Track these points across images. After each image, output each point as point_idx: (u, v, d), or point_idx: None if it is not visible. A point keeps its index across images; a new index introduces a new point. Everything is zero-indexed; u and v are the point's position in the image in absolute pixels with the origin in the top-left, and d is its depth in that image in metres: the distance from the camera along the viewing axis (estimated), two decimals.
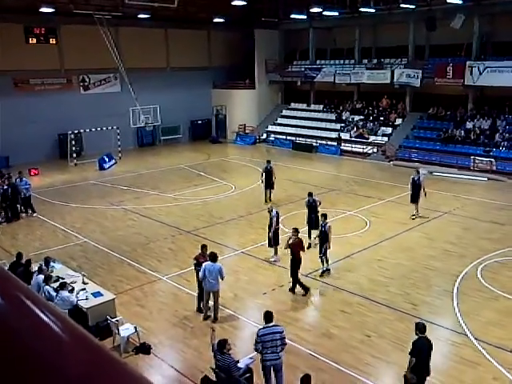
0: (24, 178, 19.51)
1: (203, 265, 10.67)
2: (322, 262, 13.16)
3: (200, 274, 10.68)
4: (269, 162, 20.35)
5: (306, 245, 13.46)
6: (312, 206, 15.37)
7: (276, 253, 14.24)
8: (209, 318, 10.92)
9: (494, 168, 24.07)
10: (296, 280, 12.11)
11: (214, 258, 10.70)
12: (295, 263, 12.05)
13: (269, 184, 19.94)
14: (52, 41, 29.21)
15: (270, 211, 14.38)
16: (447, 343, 10.17)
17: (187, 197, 21.47)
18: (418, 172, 17.94)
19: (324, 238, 12.91)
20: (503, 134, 25.63)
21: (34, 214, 18.93)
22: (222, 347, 7.90)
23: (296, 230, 12.30)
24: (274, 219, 14.10)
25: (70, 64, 29.97)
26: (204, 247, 11.62)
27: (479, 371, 9.08)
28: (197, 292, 11.41)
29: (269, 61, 36.30)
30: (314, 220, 15.06)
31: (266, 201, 19.67)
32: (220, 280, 10.70)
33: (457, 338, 10.21)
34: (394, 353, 9.75)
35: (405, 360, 9.47)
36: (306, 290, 12.11)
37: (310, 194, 15.67)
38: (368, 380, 8.91)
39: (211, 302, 10.89)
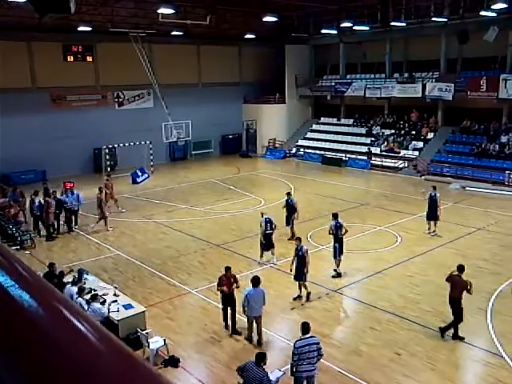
0: (75, 191, 19.48)
1: (245, 291, 10.39)
2: (300, 287, 12.56)
3: (242, 301, 10.40)
4: (289, 194, 18.24)
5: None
6: (337, 228, 14.18)
7: (273, 254, 15.07)
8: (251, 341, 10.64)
9: None
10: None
11: (256, 282, 10.33)
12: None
13: (289, 219, 17.36)
14: (88, 58, 30.20)
15: (262, 216, 15.38)
16: (481, 363, 9.91)
17: (217, 210, 21.66)
18: (435, 188, 17.59)
19: (301, 263, 12.31)
20: None
21: (76, 227, 19.07)
22: (260, 360, 7.85)
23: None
24: (263, 225, 14.93)
25: (105, 80, 30.89)
26: (228, 269, 11.26)
27: None
28: (221, 308, 11.22)
29: (299, 76, 36.49)
30: (337, 245, 14.22)
31: (291, 237, 16.59)
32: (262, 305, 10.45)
33: (491, 359, 9.92)
34: (425, 372, 9.56)
35: (435, 379, 9.30)
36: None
37: (335, 216, 14.45)
38: None
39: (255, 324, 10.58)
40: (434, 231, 17.30)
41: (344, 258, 15.33)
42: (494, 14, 24.95)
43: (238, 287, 11.13)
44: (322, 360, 9.59)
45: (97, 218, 19.12)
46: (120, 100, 32.35)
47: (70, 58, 29.67)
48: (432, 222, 17.29)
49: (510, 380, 9.16)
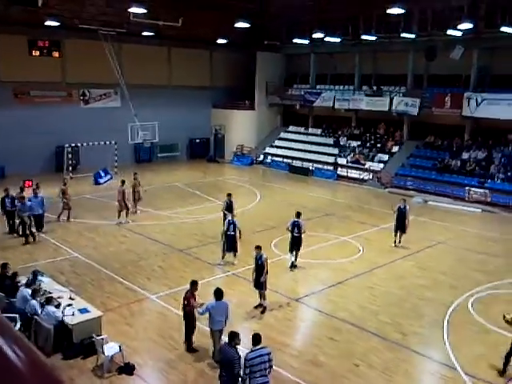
0: (40, 194, 18.39)
1: (207, 305, 9.97)
2: (261, 296, 12.51)
3: (202, 311, 10.00)
4: (229, 195, 18.76)
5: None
6: (295, 226, 15.18)
7: (222, 257, 15.38)
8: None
9: (489, 200, 24.12)
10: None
11: (220, 295, 9.89)
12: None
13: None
14: (55, 54, 29.45)
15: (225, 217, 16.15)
16: (436, 376, 10.03)
17: (181, 215, 21.39)
18: (405, 201, 17.80)
19: (260, 271, 12.23)
20: (498, 165, 25.78)
21: (40, 234, 17.96)
22: (231, 339, 8.08)
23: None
24: (225, 225, 15.20)
25: (71, 77, 30.18)
26: (194, 284, 10.53)
27: None
28: (184, 329, 10.57)
29: (269, 83, 36.63)
30: (295, 240, 15.17)
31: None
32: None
33: (446, 371, 10.06)
34: (382, 383, 9.60)
35: None
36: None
37: (299, 215, 15.41)
38: None
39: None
40: (399, 242, 17.52)
41: (306, 267, 15.47)
42: (460, 34, 25.72)
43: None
44: (279, 369, 9.54)
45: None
46: (86, 98, 31.65)
47: (36, 53, 28.86)
48: (399, 234, 17.48)
49: None
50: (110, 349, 9.92)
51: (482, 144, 27.58)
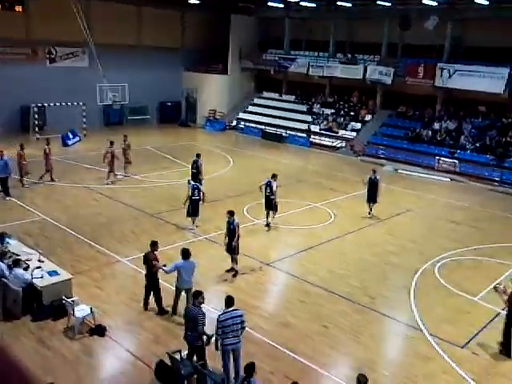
0: (5, 157, 17.52)
1: (174, 263, 10.17)
2: (232, 260, 12.64)
3: (169, 270, 10.16)
4: (198, 155, 19.09)
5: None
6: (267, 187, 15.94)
7: (193, 222, 15.52)
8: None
9: (458, 169, 24.65)
10: None
11: (186, 255, 10.10)
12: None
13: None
14: (18, 8, 27.78)
15: (188, 182, 15.80)
16: (402, 337, 10.39)
17: (152, 179, 21.10)
18: (375, 171, 17.76)
19: (232, 236, 12.31)
20: (468, 136, 26.26)
21: (7, 198, 17.37)
22: (195, 297, 8.35)
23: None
24: (189, 191, 15.22)
25: (36, 34, 28.80)
26: (154, 244, 10.63)
27: (430, 365, 9.32)
28: (144, 287, 10.68)
29: (243, 47, 35.93)
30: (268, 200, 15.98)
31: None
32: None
33: (412, 333, 10.42)
34: (350, 344, 9.89)
35: (359, 351, 9.64)
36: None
37: (274, 176, 16.13)
38: (323, 370, 8.99)
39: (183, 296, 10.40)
40: (370, 212, 17.60)
41: (278, 233, 15.63)
42: (435, 4, 25.66)
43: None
44: (250, 331, 9.70)
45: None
46: (52, 57, 30.35)
47: None
48: (372, 204, 17.53)
49: (426, 352, 9.69)
50: (81, 311, 9.86)
51: (453, 115, 27.97)
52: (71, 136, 27.16)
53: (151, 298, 10.69)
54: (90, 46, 27.45)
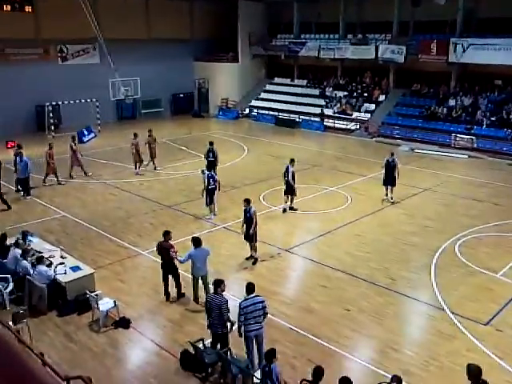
0: (25, 158, 17.70)
1: (187, 253, 10.39)
2: (251, 248, 12.70)
3: (183, 259, 10.41)
4: (212, 143, 19.40)
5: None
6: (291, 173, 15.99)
7: (211, 211, 15.64)
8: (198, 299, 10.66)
9: (475, 145, 24.26)
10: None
11: (198, 242, 10.33)
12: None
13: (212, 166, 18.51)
14: (27, 8, 28.07)
15: (203, 172, 15.86)
16: (425, 317, 10.35)
17: (168, 171, 21.24)
18: (393, 154, 17.20)
19: (249, 224, 12.38)
20: (485, 111, 25.77)
21: (28, 197, 17.61)
22: (218, 285, 8.41)
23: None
24: (206, 180, 15.34)
25: (46, 33, 29.00)
26: (167, 234, 10.84)
27: (454, 344, 9.28)
28: (162, 276, 10.86)
29: (252, 34, 35.67)
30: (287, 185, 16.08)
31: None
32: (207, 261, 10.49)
33: (434, 312, 10.38)
34: (372, 326, 9.89)
35: (382, 333, 9.64)
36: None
37: (292, 161, 16.17)
38: (347, 353, 9.02)
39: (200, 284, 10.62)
40: (391, 198, 17.07)
41: (296, 218, 15.68)
42: None
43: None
44: (273, 317, 9.77)
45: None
46: (64, 55, 30.60)
47: (7, 8, 27.47)
48: (389, 188, 17.10)
49: (449, 331, 9.64)
50: (105, 304, 10.04)
51: (468, 90, 27.45)
52: (86, 132, 27.43)
53: (171, 287, 10.87)
54: (100, 42, 27.58)
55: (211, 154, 19.08)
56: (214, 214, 15.77)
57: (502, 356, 8.83)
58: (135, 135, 20.67)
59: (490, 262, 12.50)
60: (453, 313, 10.22)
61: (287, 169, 15.96)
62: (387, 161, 17.02)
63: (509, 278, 11.65)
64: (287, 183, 15.95)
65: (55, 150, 19.38)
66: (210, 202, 15.65)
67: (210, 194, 15.52)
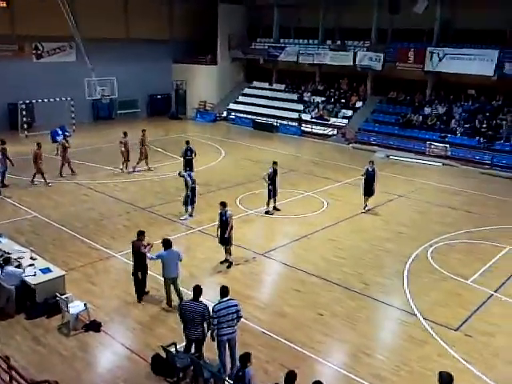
0: None
1: (159, 253, 10.29)
2: (226, 251, 12.62)
3: (151, 257, 10.33)
4: (188, 142, 20.08)
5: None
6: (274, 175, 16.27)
7: (187, 212, 15.67)
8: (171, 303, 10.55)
9: (449, 154, 24.70)
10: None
11: (168, 244, 10.20)
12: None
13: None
14: (2, 3, 27.51)
15: (180, 175, 15.95)
16: (397, 322, 10.44)
17: (144, 173, 21.00)
18: (372, 163, 17.05)
19: (225, 227, 12.32)
20: (459, 120, 26.28)
21: None
22: (197, 295, 8.28)
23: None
24: (189, 180, 15.44)
25: (22, 30, 28.42)
26: (141, 234, 10.80)
27: (425, 349, 9.38)
28: (133, 279, 10.83)
29: (232, 37, 35.66)
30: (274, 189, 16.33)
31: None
32: (179, 264, 10.39)
33: (406, 318, 10.48)
34: (345, 331, 9.94)
35: (355, 337, 9.69)
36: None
37: (275, 163, 16.39)
38: (319, 357, 9.03)
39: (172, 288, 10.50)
40: (365, 205, 16.87)
41: (271, 222, 15.67)
42: None
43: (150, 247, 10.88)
44: (246, 321, 9.72)
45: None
46: (39, 52, 30.03)
47: None
48: (368, 198, 16.81)
49: (421, 336, 9.75)
50: (75, 307, 9.85)
51: (443, 99, 27.96)
52: (60, 132, 26.89)
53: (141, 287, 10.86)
54: (76, 41, 27.17)
55: (189, 153, 19.61)
56: (190, 215, 15.66)
57: (471, 361, 8.97)
58: (125, 134, 20.73)
59: (461, 268, 12.71)
60: (424, 318, 10.34)
61: (272, 172, 16.13)
62: (367, 170, 16.80)
63: (478, 285, 11.86)
64: (274, 184, 16.20)
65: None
66: (191, 202, 15.62)
67: (193, 192, 15.59)
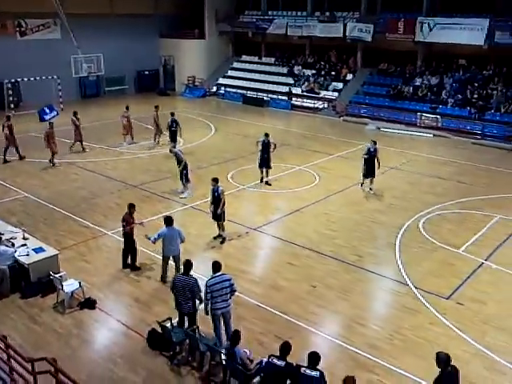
0: None
1: (158, 232, 10.22)
2: (219, 227, 12.61)
3: (154, 239, 10.20)
4: (173, 114, 20.61)
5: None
6: (265, 146, 16.33)
7: (186, 189, 15.58)
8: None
9: (440, 125, 24.68)
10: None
11: (170, 221, 10.17)
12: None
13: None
14: None
15: (171, 151, 15.93)
16: (390, 292, 10.56)
17: (134, 150, 20.83)
18: (375, 142, 15.96)
19: (217, 203, 12.28)
20: (450, 91, 26.19)
21: None
22: (187, 269, 8.39)
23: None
24: (181, 155, 15.41)
25: (4, 6, 27.63)
26: (132, 207, 10.99)
27: (417, 318, 9.52)
28: (122, 248, 11.26)
29: (219, 10, 34.99)
30: (266, 159, 16.43)
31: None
32: (180, 243, 10.39)
33: (399, 288, 10.61)
34: (339, 302, 10.05)
35: (349, 308, 9.81)
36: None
37: (267, 135, 16.50)
38: (314, 328, 9.15)
39: (171, 263, 10.53)
40: (370, 189, 16.12)
41: (263, 197, 15.68)
42: None
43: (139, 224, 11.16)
44: (241, 295, 9.79)
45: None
46: (22, 29, 29.33)
47: None
48: (369, 179, 16.13)
49: (413, 305, 9.90)
50: (70, 285, 9.86)
51: (434, 70, 27.78)
52: (48, 111, 26.52)
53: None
54: (61, 17, 26.56)
55: (174, 124, 20.14)
56: (188, 193, 15.59)
57: (462, 328, 9.13)
58: (127, 108, 21.43)
59: (452, 238, 12.84)
60: (416, 288, 10.48)
61: (264, 141, 16.34)
62: (368, 149, 15.92)
63: (470, 254, 12.01)
64: (268, 154, 16.39)
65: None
66: (186, 179, 15.51)
67: (187, 169, 15.48)
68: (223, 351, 7.58)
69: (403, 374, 7.99)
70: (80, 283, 9.94)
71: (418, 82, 27.49)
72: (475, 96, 25.19)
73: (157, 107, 21.64)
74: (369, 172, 16.03)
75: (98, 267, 11.31)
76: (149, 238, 10.29)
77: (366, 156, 15.92)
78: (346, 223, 13.91)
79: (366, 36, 28.58)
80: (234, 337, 7.25)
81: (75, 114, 20.44)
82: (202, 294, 8.24)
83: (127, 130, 21.27)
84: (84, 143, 20.67)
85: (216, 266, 8.27)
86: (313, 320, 9.39)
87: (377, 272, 11.26)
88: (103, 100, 31.88)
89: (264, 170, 16.70)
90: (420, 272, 11.20)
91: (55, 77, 28.08)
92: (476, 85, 25.65)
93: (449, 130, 24.38)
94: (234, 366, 7.23)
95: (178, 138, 20.93)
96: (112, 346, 8.71)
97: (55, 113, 27.17)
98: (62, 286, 9.72)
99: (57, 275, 9.94)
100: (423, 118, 25.18)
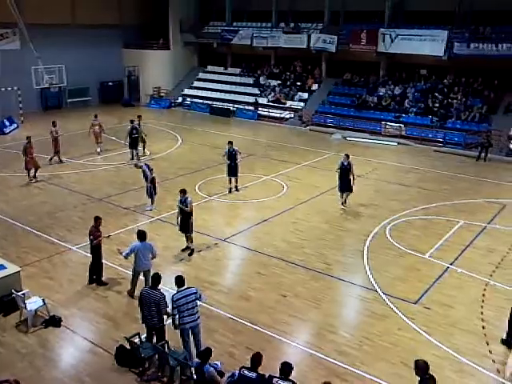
0: None
1: (130, 247, 10.01)
2: (187, 239, 12.50)
3: (126, 254, 9.96)
4: (132, 121, 20.71)
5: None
6: (232, 155, 16.56)
7: (152, 203, 15.33)
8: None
9: (404, 133, 25.25)
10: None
11: (142, 236, 9.95)
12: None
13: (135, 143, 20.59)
14: None
15: (137, 166, 15.71)
16: (358, 299, 10.64)
17: (98, 163, 20.45)
18: (348, 157, 15.53)
19: (187, 215, 12.17)
20: (412, 100, 26.86)
21: None
22: (156, 283, 8.28)
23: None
24: (148, 172, 15.02)
25: None
26: (98, 219, 10.78)
27: (386, 323, 9.63)
28: (90, 263, 10.97)
29: (183, 20, 34.96)
30: (234, 167, 16.67)
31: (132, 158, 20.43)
32: (151, 258, 10.16)
33: (367, 294, 10.71)
34: (309, 310, 10.06)
35: (319, 316, 9.82)
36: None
37: (230, 143, 16.83)
38: (284, 338, 9.11)
39: (141, 278, 10.31)
40: (344, 202, 15.75)
41: (231, 208, 15.63)
42: None
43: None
44: (211, 307, 9.69)
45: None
46: None
47: None
48: (345, 194, 15.67)
49: (382, 311, 10.00)
50: (33, 303, 9.54)
51: (396, 80, 28.46)
52: (7, 123, 25.82)
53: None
54: (20, 27, 25.94)
55: (135, 131, 20.13)
56: (152, 206, 15.35)
57: (430, 332, 9.27)
58: (96, 116, 21.76)
59: (418, 243, 13.08)
60: (385, 294, 10.60)
61: (228, 151, 16.57)
62: (342, 164, 15.52)
63: (435, 259, 12.25)
64: (236, 163, 16.64)
65: None
66: (154, 193, 15.25)
67: (153, 184, 15.18)
68: (194, 365, 7.44)
69: (374, 379, 8.03)
70: (44, 301, 9.62)
71: (381, 91, 28.09)
72: (436, 105, 25.92)
73: (139, 117, 21.50)
74: (343, 187, 15.56)
75: (62, 284, 10.98)
76: (121, 253, 10.06)
77: (338, 171, 15.56)
78: (314, 232, 13.99)
79: (330, 47, 29.04)
80: (205, 354, 7.10)
81: (54, 124, 20.04)
82: (169, 309, 8.10)
83: (99, 137, 21.37)
84: (47, 156, 20.16)
85: (179, 281, 8.15)
86: (283, 329, 9.36)
87: (346, 279, 11.34)
88: (65, 112, 31.25)
89: (233, 178, 16.81)
90: (388, 278, 11.35)
91: (15, 88, 27.37)
92: (437, 94, 26.40)
93: (412, 138, 24.97)
94: (203, 382, 7.09)
95: (141, 148, 20.99)
96: (79, 365, 8.43)
97: (15, 125, 26.47)
98: (25, 304, 9.38)
99: (19, 293, 9.58)
100: (387, 126, 25.71)
